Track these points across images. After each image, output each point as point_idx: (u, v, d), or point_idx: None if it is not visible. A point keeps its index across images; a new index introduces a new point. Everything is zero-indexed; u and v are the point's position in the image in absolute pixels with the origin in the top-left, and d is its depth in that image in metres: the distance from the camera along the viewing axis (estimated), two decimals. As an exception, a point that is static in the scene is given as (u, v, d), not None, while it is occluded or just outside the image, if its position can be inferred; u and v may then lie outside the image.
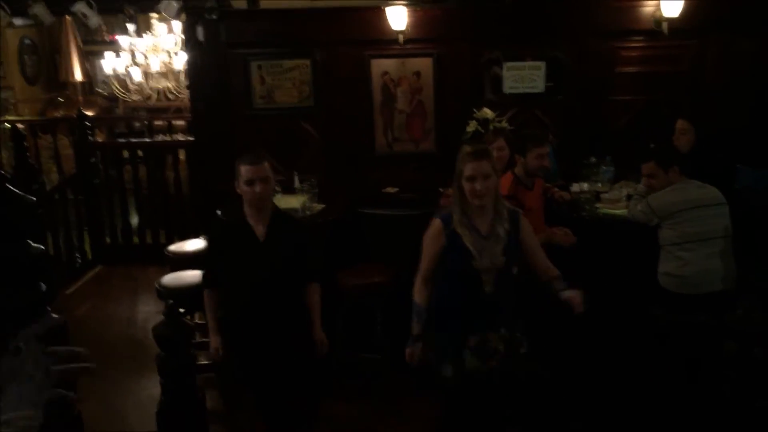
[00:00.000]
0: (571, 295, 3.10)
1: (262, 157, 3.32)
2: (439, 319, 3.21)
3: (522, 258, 3.18)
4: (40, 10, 5.26)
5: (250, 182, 3.25)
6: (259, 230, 3.35)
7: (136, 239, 7.48)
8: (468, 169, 3.04)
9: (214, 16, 5.46)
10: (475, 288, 3.08)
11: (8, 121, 8.67)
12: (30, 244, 1.54)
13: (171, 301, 2.65)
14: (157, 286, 4.86)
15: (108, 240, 7.44)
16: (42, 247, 1.66)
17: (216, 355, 3.40)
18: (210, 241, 3.64)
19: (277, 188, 5.28)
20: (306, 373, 3.53)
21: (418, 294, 3.23)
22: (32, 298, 1.61)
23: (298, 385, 3.51)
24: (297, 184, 5.36)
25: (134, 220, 7.59)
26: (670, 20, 5.37)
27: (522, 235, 3.17)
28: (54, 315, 2.04)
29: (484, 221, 3.10)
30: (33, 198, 1.61)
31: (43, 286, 1.58)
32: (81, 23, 6.13)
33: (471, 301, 3.11)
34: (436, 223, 3.17)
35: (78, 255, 7.19)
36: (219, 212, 5.00)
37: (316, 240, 3.61)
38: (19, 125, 8.20)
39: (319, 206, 5.23)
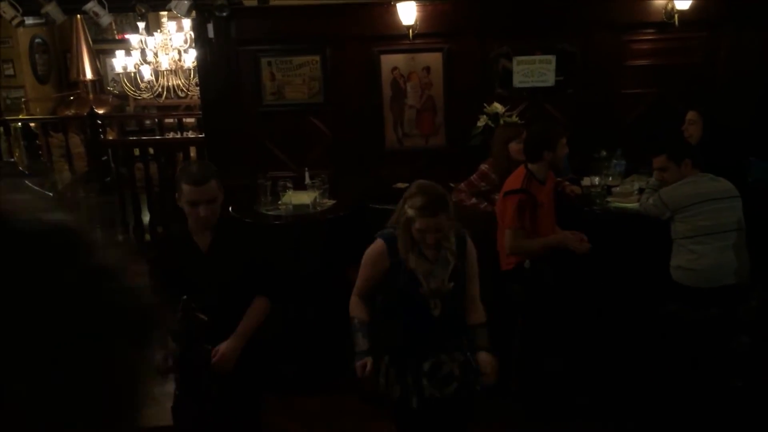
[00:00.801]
0: (485, 359, 2.96)
1: (208, 174, 2.99)
2: (390, 347, 3.02)
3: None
4: (52, 9, 5.28)
5: (194, 203, 2.96)
6: (203, 242, 3.08)
7: (147, 236, 7.51)
8: (419, 223, 2.82)
9: (225, 14, 5.47)
10: (422, 312, 2.90)
11: (20, 120, 8.73)
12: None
13: (185, 297, 2.66)
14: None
15: (120, 237, 7.47)
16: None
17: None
18: (153, 256, 3.30)
19: (289, 184, 5.31)
20: (248, 393, 3.20)
21: (356, 309, 3.03)
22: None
23: (239, 403, 3.21)
24: (308, 180, 5.37)
25: (146, 218, 7.62)
26: (681, 12, 5.34)
27: (467, 257, 3.00)
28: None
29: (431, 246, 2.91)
30: (50, 194, 1.62)
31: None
32: (92, 22, 6.15)
33: (419, 326, 2.93)
34: (379, 245, 2.97)
35: (90, 252, 7.24)
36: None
37: (270, 248, 3.29)
38: (31, 124, 8.29)
39: (329, 202, 5.24)
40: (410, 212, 2.83)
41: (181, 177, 3.01)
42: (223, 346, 2.98)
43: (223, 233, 3.10)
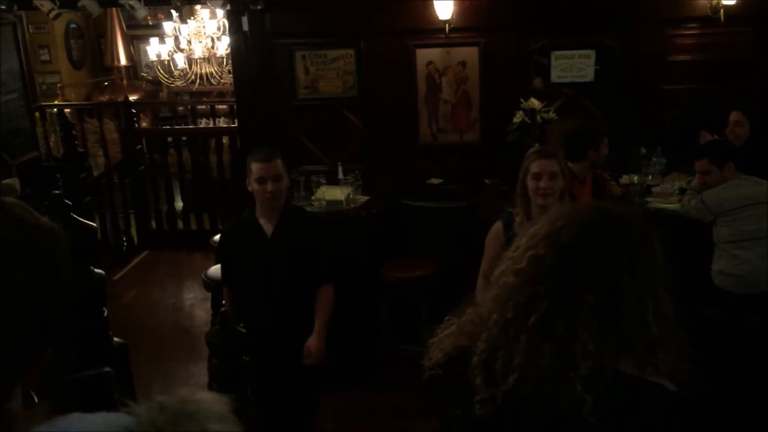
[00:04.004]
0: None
1: (275, 154, 3.23)
2: None
3: None
4: (88, 2, 5.30)
5: (261, 180, 3.16)
6: (269, 227, 3.27)
7: (180, 224, 7.57)
8: (534, 167, 3.02)
9: (259, 7, 5.43)
10: None
11: (56, 106, 8.81)
12: (93, 270, 1.56)
13: (223, 309, 2.65)
14: (203, 277, 4.92)
15: (153, 225, 7.55)
16: (102, 272, 1.68)
17: None
18: (220, 240, 3.61)
19: (322, 180, 5.29)
20: (306, 376, 3.34)
21: (481, 292, 3.07)
22: (94, 320, 1.63)
23: (297, 386, 3.36)
24: (340, 175, 5.35)
25: (179, 204, 7.67)
26: (728, 7, 5.17)
27: None
28: None
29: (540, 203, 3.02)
30: (93, 224, 1.63)
31: (105, 311, 1.61)
32: (128, 15, 6.17)
33: None
34: (497, 225, 3.15)
35: (125, 239, 7.32)
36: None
37: (332, 237, 3.50)
38: (66, 110, 8.36)
39: (363, 198, 5.21)
40: (526, 162, 3.06)
41: (250, 159, 3.23)
42: (310, 345, 3.23)
43: (289, 219, 3.30)
